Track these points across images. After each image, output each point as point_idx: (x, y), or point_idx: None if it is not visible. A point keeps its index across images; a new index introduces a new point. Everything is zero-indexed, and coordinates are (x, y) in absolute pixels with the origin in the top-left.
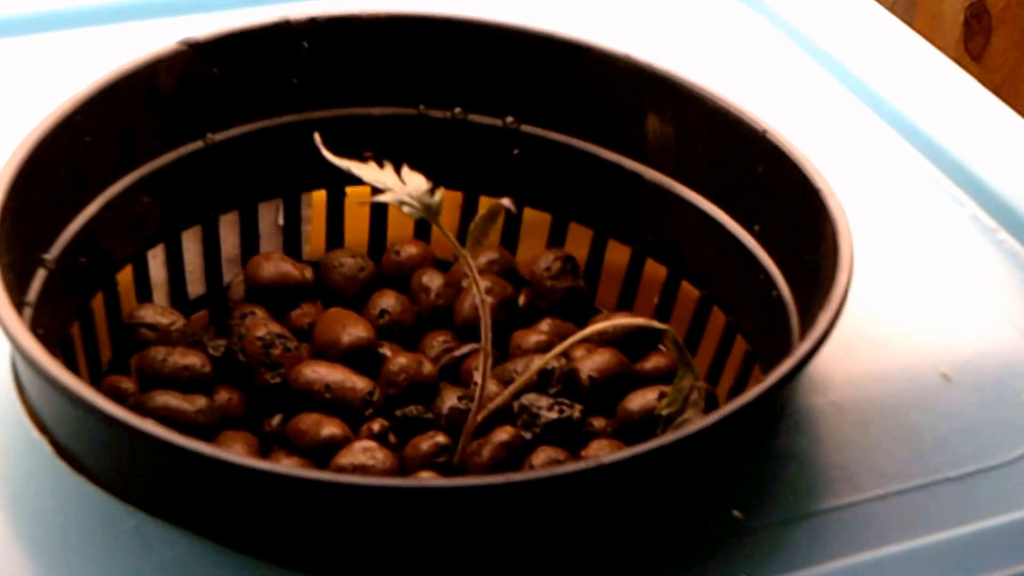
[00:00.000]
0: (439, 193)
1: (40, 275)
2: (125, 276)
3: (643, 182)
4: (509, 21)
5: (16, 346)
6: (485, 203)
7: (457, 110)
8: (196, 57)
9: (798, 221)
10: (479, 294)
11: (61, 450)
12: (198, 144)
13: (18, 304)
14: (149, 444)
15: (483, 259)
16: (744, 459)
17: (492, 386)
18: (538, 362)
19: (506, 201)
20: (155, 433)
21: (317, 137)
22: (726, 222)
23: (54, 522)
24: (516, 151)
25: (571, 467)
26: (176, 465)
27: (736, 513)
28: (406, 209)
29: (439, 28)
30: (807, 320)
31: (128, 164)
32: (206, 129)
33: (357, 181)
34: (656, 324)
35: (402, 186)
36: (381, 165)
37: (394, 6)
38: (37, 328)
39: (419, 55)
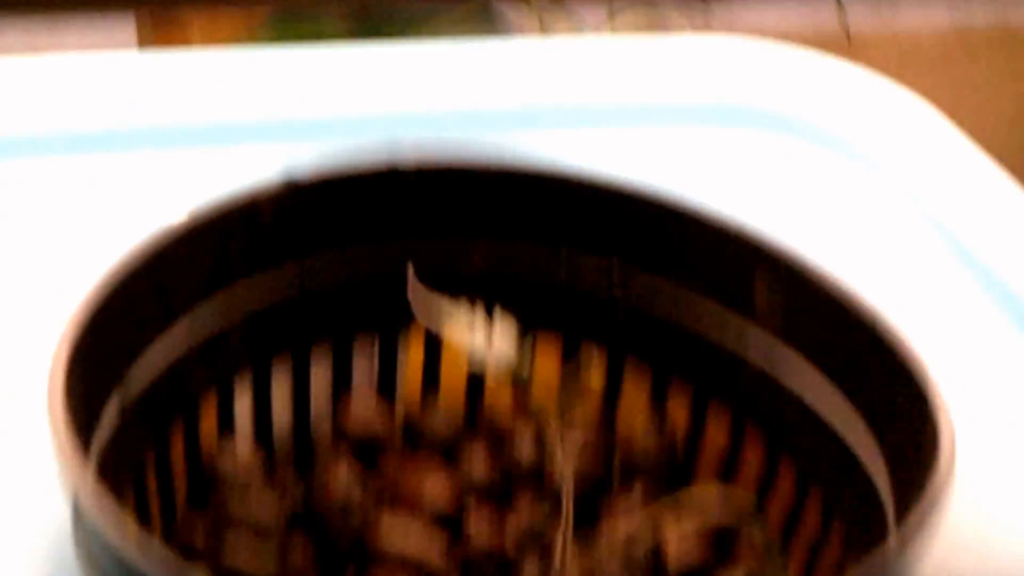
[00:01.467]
0: (526, 356)
1: (115, 404)
2: (207, 408)
3: (749, 345)
4: (620, 178)
5: (76, 496)
6: (587, 349)
7: (564, 252)
8: (297, 195)
9: (903, 417)
10: (562, 469)
11: None
12: (293, 275)
13: (88, 435)
14: None
15: (580, 417)
16: None
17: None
18: (623, 535)
19: (589, 374)
20: None
21: (411, 274)
22: (831, 400)
23: None
24: (621, 300)
25: None
26: None
27: None
28: (488, 373)
29: (550, 183)
30: (901, 529)
31: (218, 294)
32: (302, 261)
33: None
34: (748, 516)
35: (487, 345)
36: (474, 309)
37: (505, 156)
38: (107, 460)
39: (528, 207)
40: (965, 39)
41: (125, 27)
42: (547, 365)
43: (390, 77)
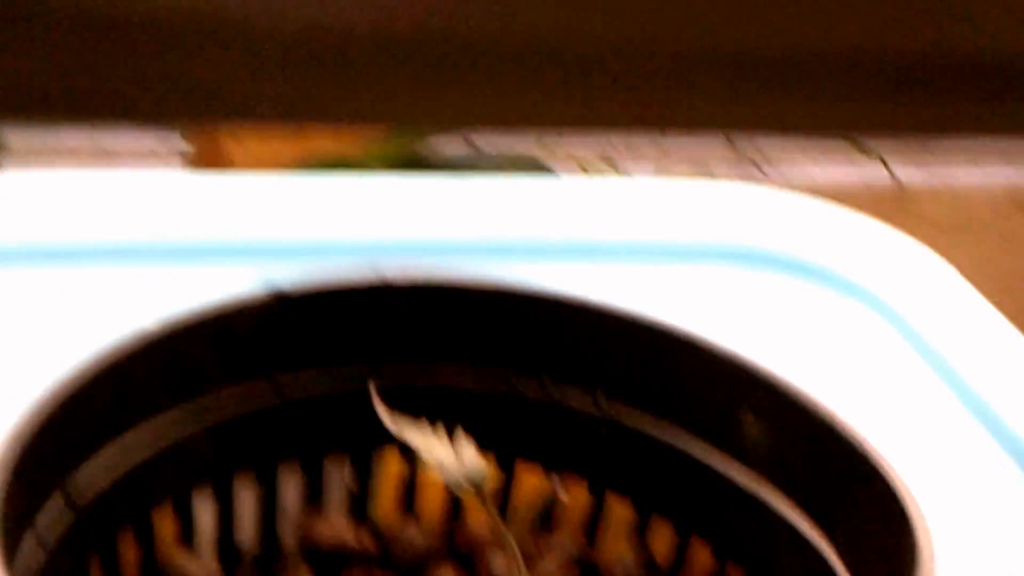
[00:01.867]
0: (488, 470)
1: (57, 503)
2: (165, 516)
3: (732, 483)
4: (611, 303)
5: None
6: (568, 483)
7: (547, 382)
8: (281, 307)
9: (887, 550)
10: None
11: None
12: (266, 387)
13: (16, 534)
14: None
15: (557, 545)
16: None
17: None
18: None
19: (560, 490)
20: None
21: (373, 390)
22: (815, 541)
23: None
24: (604, 431)
25: None
26: None
27: None
28: (451, 484)
29: (542, 304)
30: None
31: (185, 399)
32: (277, 373)
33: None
34: None
35: (451, 458)
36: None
37: (495, 275)
38: (51, 564)
39: (514, 329)
40: (1018, 197)
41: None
42: (527, 493)
43: (401, 207)
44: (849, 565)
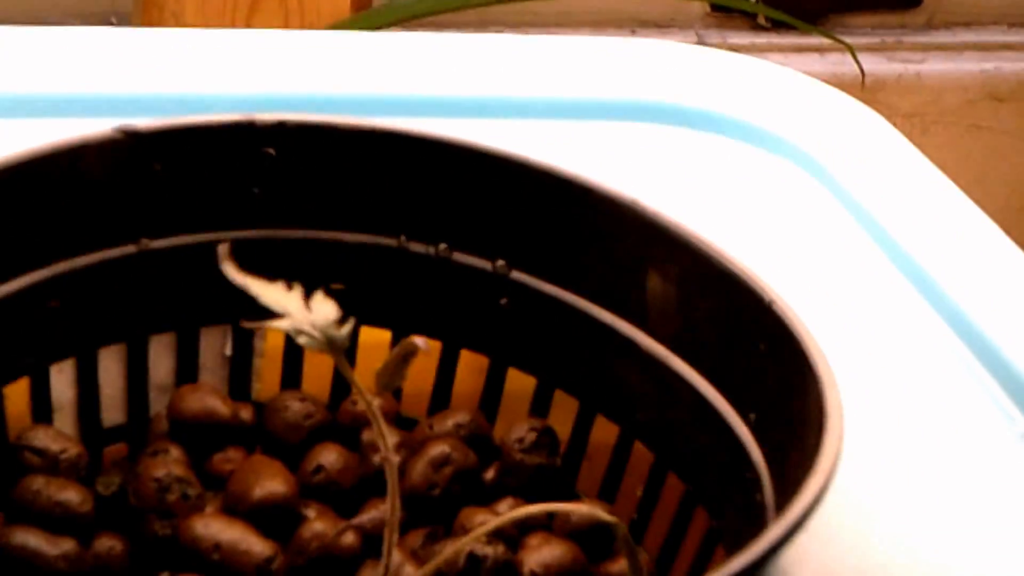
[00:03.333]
0: (347, 326)
1: None
2: (20, 394)
3: (639, 351)
4: (507, 150)
5: None
6: (466, 356)
7: (442, 246)
8: (135, 148)
9: (793, 413)
10: (385, 450)
11: None
12: (129, 249)
13: None
14: None
15: (450, 421)
16: None
17: (410, 568)
18: (466, 543)
19: (419, 341)
20: None
21: (223, 249)
22: (722, 408)
23: None
24: (504, 300)
25: None
26: None
27: None
28: (302, 340)
29: (429, 149)
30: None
31: (34, 259)
32: (141, 233)
33: None
34: (603, 516)
35: (305, 313)
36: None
37: (381, 120)
38: None
39: (405, 178)
40: (991, 88)
41: None
42: (428, 368)
43: (312, 61)
44: (757, 434)
